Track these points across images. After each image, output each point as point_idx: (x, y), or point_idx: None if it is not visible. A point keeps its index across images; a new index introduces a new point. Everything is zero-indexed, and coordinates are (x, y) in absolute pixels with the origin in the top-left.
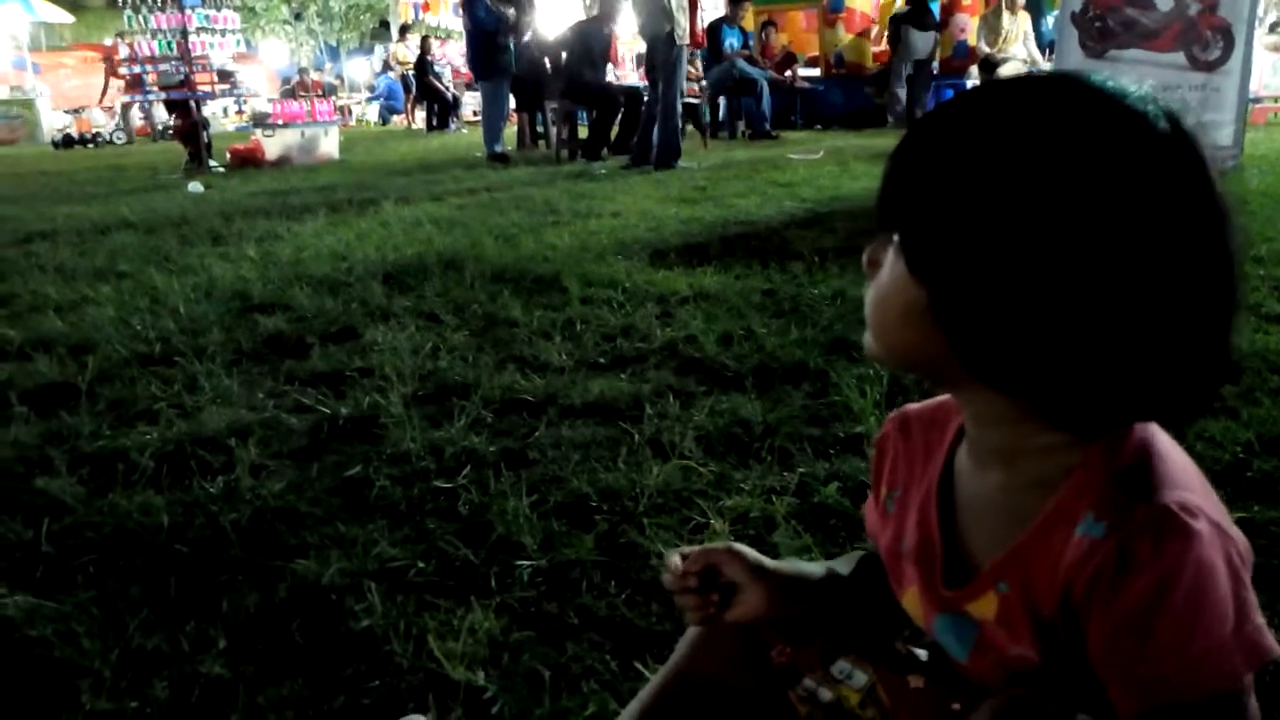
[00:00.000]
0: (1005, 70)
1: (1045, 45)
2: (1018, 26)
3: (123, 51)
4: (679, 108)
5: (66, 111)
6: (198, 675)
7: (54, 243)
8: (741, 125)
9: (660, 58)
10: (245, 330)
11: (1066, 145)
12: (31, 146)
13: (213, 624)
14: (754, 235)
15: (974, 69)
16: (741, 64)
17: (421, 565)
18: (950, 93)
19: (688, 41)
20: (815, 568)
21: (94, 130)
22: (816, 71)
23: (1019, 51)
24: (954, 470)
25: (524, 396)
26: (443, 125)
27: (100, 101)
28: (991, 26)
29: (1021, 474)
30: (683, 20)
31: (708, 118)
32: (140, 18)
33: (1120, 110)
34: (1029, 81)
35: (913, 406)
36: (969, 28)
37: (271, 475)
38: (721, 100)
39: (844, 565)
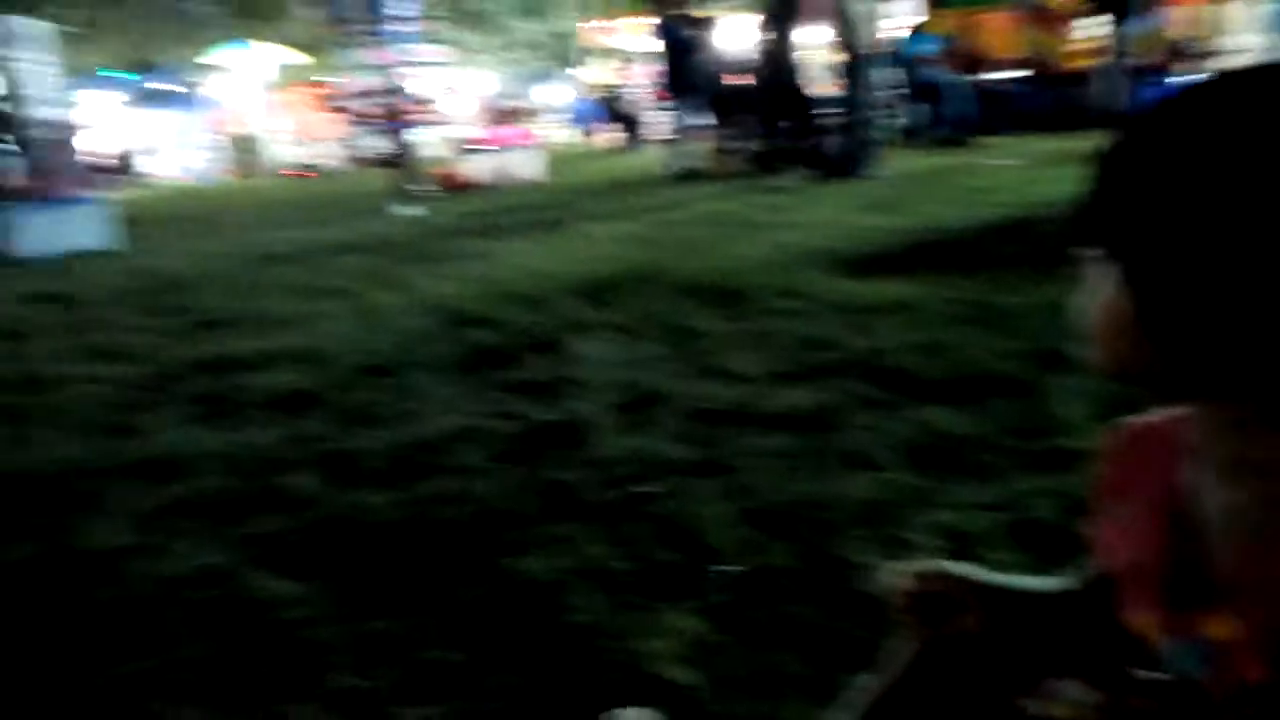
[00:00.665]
0: (1221, 63)
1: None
2: (1234, 14)
3: (344, 87)
4: (868, 117)
5: (297, 144)
6: (424, 660)
7: (287, 264)
8: (934, 132)
9: (848, 67)
10: (457, 343)
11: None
12: (268, 178)
13: (436, 613)
14: (950, 243)
15: (1186, 64)
16: (932, 70)
17: (626, 566)
18: (1154, 91)
19: (874, 50)
20: (1040, 583)
21: (320, 160)
22: (1014, 74)
23: (1233, 42)
24: (1189, 484)
25: (718, 406)
26: (634, 144)
27: (324, 135)
28: (1202, 17)
29: (1255, 488)
30: (869, 29)
31: (899, 125)
32: (360, 55)
33: None
34: (1245, 75)
35: (1139, 418)
36: (1177, 19)
37: (486, 477)
38: (912, 107)
39: (1073, 582)
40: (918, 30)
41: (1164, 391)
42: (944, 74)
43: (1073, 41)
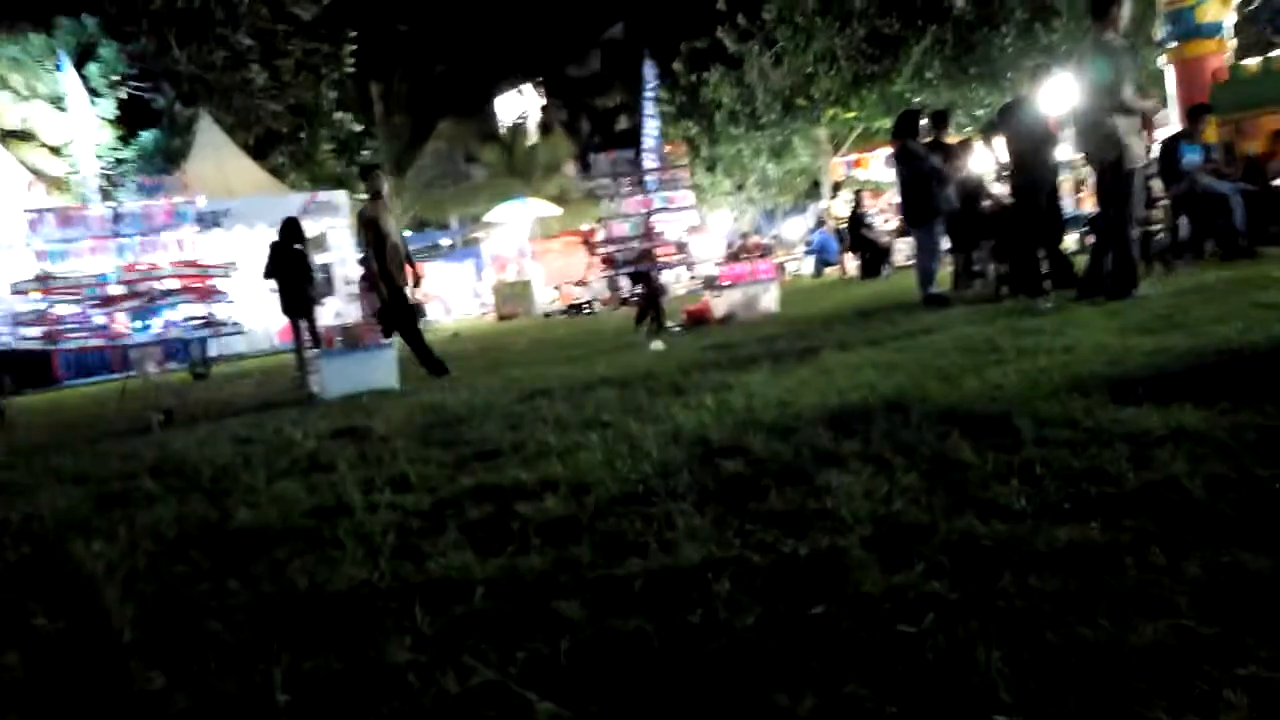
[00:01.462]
0: None
1: None
2: None
3: (599, 234)
4: (1132, 234)
5: (555, 287)
6: None
7: (550, 398)
8: (1210, 245)
9: (1110, 183)
10: (708, 472)
11: None
12: (528, 320)
13: None
14: (1239, 365)
15: None
16: (1205, 179)
17: (893, 710)
18: None
19: (1141, 165)
20: None
21: (576, 301)
22: None
23: None
24: None
25: (984, 543)
26: (875, 273)
27: (583, 278)
28: None
29: None
30: (1136, 144)
31: (1169, 241)
32: (613, 204)
33: None
34: None
35: None
36: None
37: (742, 610)
38: (1184, 221)
39: None
40: (1180, 138)
41: None
42: (1219, 182)
43: None
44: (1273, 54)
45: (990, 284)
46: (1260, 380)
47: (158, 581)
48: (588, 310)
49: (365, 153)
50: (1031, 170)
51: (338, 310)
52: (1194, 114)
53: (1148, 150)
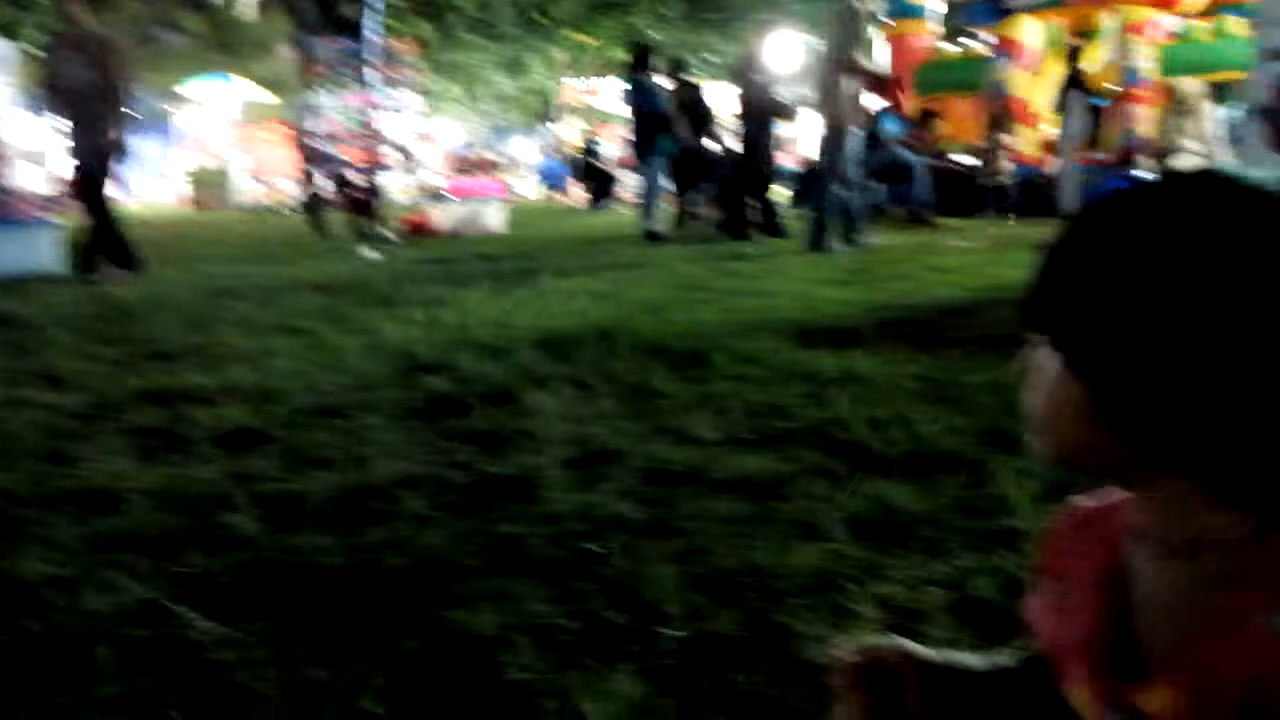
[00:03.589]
0: (1178, 162)
1: (1229, 138)
2: (1193, 120)
3: (312, 127)
4: (839, 192)
5: (259, 180)
6: (359, 710)
7: (243, 299)
8: (898, 211)
9: (827, 141)
10: (411, 388)
11: (1214, 241)
12: (228, 211)
13: (374, 662)
14: (908, 320)
15: (1144, 160)
16: (899, 150)
17: (570, 625)
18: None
19: (857, 128)
20: (979, 660)
21: (282, 199)
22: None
23: (1193, 145)
24: (1127, 564)
25: (671, 467)
26: (602, 204)
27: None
28: (1165, 119)
29: (1200, 566)
30: (852, 107)
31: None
32: (331, 96)
33: (1269, 204)
34: (1180, 178)
35: (1084, 498)
36: (1135, 118)
37: (432, 526)
38: (880, 186)
39: (1009, 660)
40: (887, 110)
41: (1117, 474)
42: (912, 155)
43: (1039, 133)
44: (966, 42)
45: (707, 226)
46: (924, 334)
47: None
48: (297, 209)
49: None
50: (754, 123)
51: None
52: (891, 85)
53: (874, 116)
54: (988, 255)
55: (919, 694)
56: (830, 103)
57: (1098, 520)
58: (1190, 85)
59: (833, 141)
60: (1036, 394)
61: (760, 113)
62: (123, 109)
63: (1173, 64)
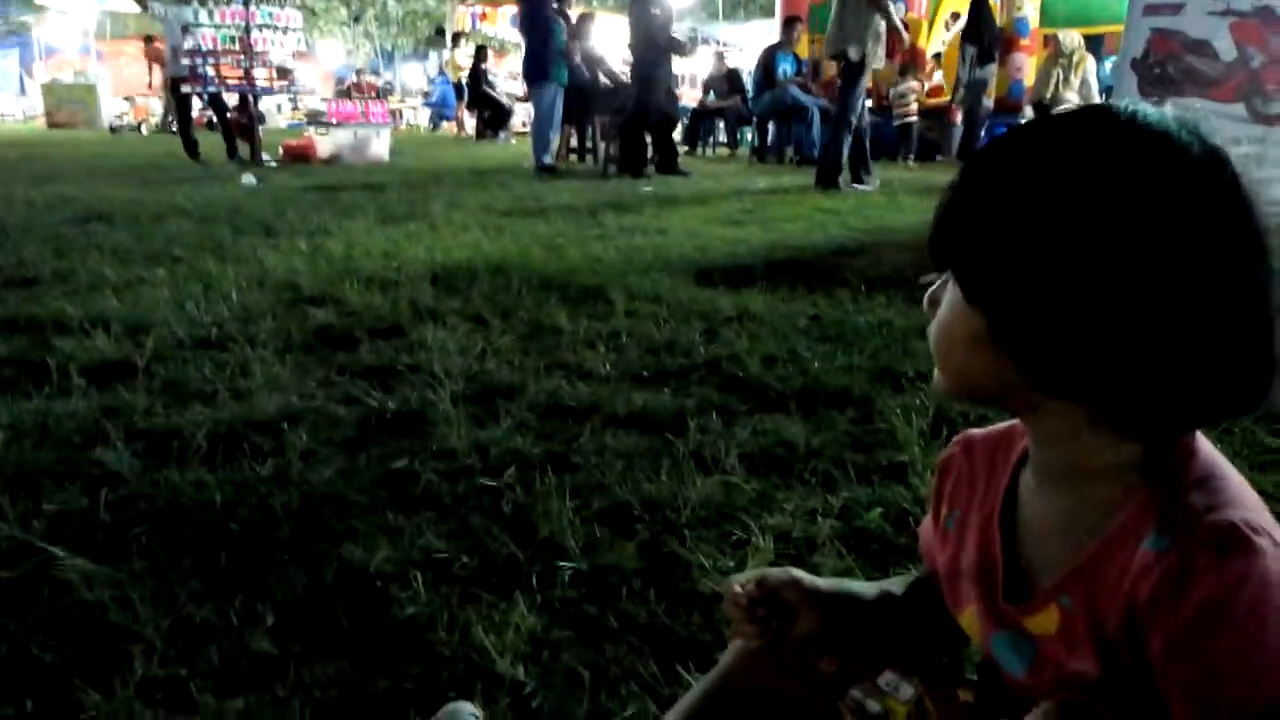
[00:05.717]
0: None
1: (1104, 90)
2: (1074, 71)
3: (188, 44)
4: (849, 130)
5: (124, 99)
6: (246, 649)
7: (111, 225)
8: (790, 151)
9: (849, 78)
10: (296, 320)
11: (1099, 172)
12: (91, 131)
13: (260, 600)
14: (801, 261)
15: (1028, 109)
16: (794, 90)
17: (465, 559)
18: (1003, 129)
19: (873, 65)
20: (867, 588)
21: (148, 118)
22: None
23: (1073, 96)
24: (1017, 492)
25: (568, 403)
26: (494, 133)
27: (157, 92)
28: (1046, 69)
29: (1088, 493)
30: (871, 44)
31: (756, 142)
32: (205, 11)
33: (1151, 136)
34: (1068, 116)
35: (976, 430)
36: (1025, 67)
37: (320, 462)
38: (771, 125)
39: (896, 586)
40: (777, 49)
41: (1013, 404)
42: (806, 96)
43: (932, 81)
44: None
45: (601, 160)
46: (815, 274)
47: None
48: (166, 130)
49: None
50: (651, 58)
51: None
52: (786, 25)
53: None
54: (880, 198)
55: (811, 620)
56: (857, 38)
57: (988, 450)
58: (1071, 37)
59: (854, 78)
60: (938, 326)
61: (657, 48)
62: None
63: (1054, 16)
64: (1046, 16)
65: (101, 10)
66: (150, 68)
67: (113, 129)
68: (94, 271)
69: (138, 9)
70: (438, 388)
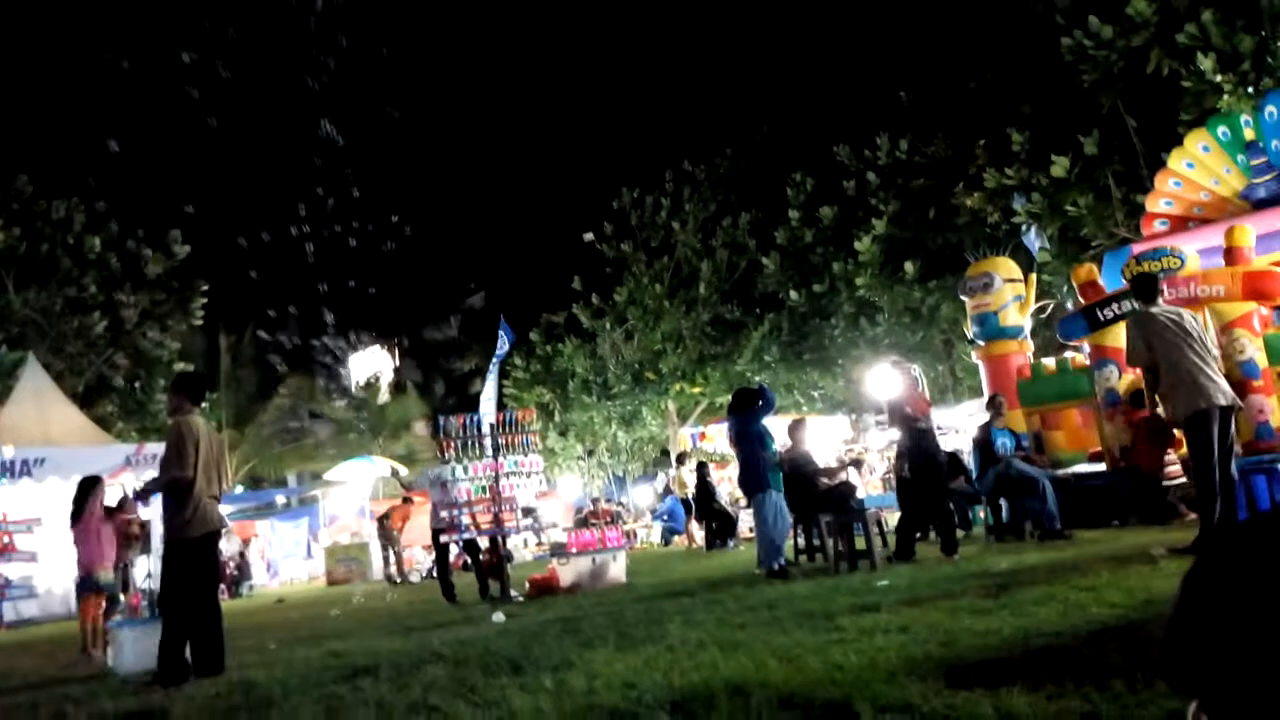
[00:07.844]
0: None
1: None
2: None
3: (443, 497)
4: (949, 510)
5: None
6: None
7: (376, 678)
8: (1028, 527)
9: (921, 466)
10: None
11: None
12: (365, 584)
13: None
14: (1062, 648)
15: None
16: (1017, 463)
17: None
18: (1260, 479)
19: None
20: None
21: (415, 567)
22: (1100, 467)
23: None
24: None
25: None
26: (722, 543)
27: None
28: None
29: None
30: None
31: (991, 520)
32: (461, 467)
33: None
34: None
35: None
36: (1267, 408)
37: None
38: (1003, 503)
39: None
40: (991, 425)
41: None
42: (1032, 468)
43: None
44: (1065, 355)
45: (830, 557)
46: (1082, 663)
47: None
48: (430, 576)
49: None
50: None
51: (149, 571)
52: (990, 404)
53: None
54: (1134, 567)
55: None
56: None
57: None
58: None
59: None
60: None
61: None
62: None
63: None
64: (1273, 354)
65: (376, 476)
66: (401, 527)
67: (390, 580)
68: None
69: (404, 470)
70: None
